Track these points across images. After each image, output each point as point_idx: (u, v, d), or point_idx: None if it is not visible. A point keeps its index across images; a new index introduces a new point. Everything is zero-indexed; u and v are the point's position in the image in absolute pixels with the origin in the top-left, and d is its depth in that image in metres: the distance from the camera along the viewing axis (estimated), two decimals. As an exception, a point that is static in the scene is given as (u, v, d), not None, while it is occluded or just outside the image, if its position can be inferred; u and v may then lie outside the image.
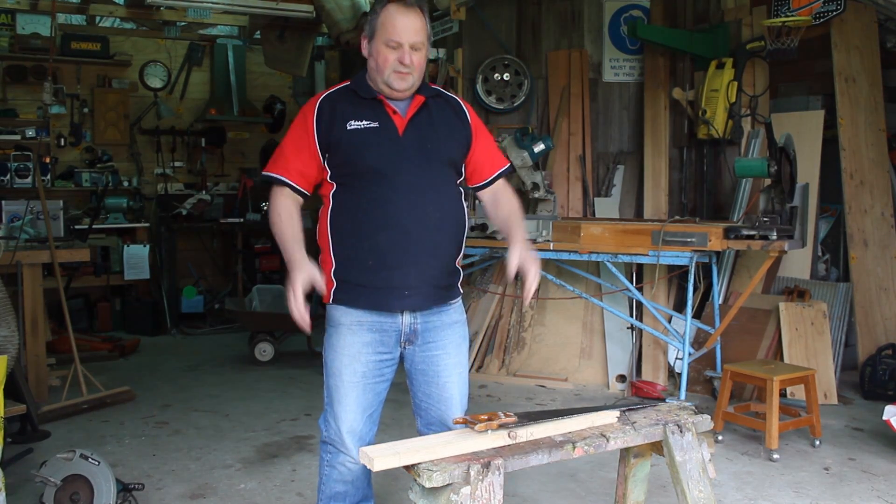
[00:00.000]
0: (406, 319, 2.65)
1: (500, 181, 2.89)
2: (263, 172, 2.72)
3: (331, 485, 2.78)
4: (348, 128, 2.59)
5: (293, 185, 2.64)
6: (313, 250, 2.62)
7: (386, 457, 2.31)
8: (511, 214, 2.84)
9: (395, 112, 2.63)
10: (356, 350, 2.64)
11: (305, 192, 2.68)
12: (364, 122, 2.60)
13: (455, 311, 2.79)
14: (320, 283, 2.56)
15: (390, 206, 2.56)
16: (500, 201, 2.87)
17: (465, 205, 2.77)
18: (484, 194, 2.88)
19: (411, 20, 2.58)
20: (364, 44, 2.67)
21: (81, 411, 4.91)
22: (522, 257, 2.61)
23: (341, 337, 2.65)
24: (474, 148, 2.76)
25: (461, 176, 2.79)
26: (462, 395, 2.81)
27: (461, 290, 2.80)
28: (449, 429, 2.69)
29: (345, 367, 2.65)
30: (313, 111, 2.64)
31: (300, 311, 2.54)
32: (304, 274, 2.53)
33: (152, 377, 5.87)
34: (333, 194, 2.65)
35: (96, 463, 3.23)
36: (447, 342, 2.75)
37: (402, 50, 2.56)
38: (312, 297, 2.74)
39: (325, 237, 2.66)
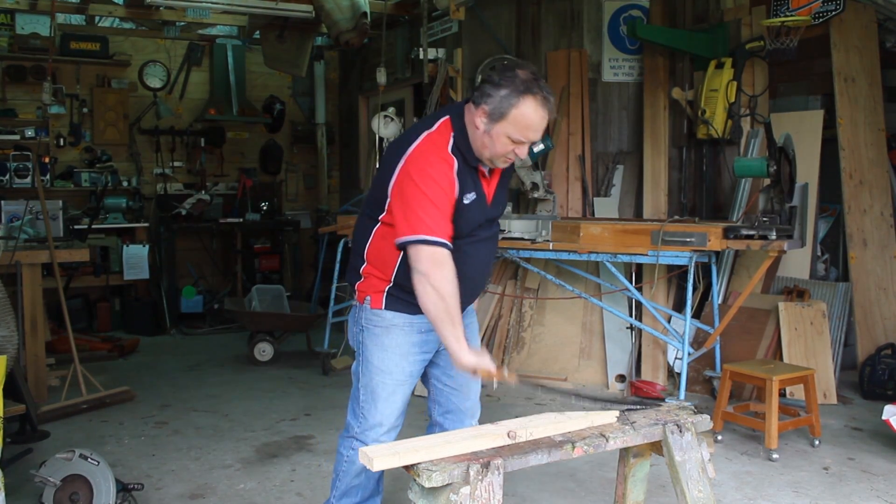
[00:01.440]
0: None
1: None
2: (418, 237, 2.46)
3: (348, 480, 2.84)
4: (465, 201, 2.60)
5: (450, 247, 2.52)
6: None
7: (385, 457, 2.31)
8: None
9: (485, 178, 2.67)
10: (406, 349, 2.74)
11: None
12: (472, 195, 2.61)
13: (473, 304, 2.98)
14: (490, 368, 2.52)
15: (467, 261, 2.63)
16: None
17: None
18: None
19: (547, 116, 2.51)
20: (481, 116, 2.51)
21: (81, 411, 4.91)
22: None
23: (391, 337, 2.72)
24: None
25: None
26: (477, 382, 2.94)
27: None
28: (465, 415, 2.89)
29: (395, 365, 2.73)
30: (453, 175, 2.55)
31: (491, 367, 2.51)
32: (478, 359, 2.49)
33: (152, 377, 5.87)
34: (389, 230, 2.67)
35: (96, 463, 3.23)
36: (468, 332, 2.80)
37: (523, 146, 2.54)
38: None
39: (391, 261, 2.67)
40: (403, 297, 2.69)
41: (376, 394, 2.74)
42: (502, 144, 2.53)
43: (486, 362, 2.48)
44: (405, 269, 2.61)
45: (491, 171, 2.69)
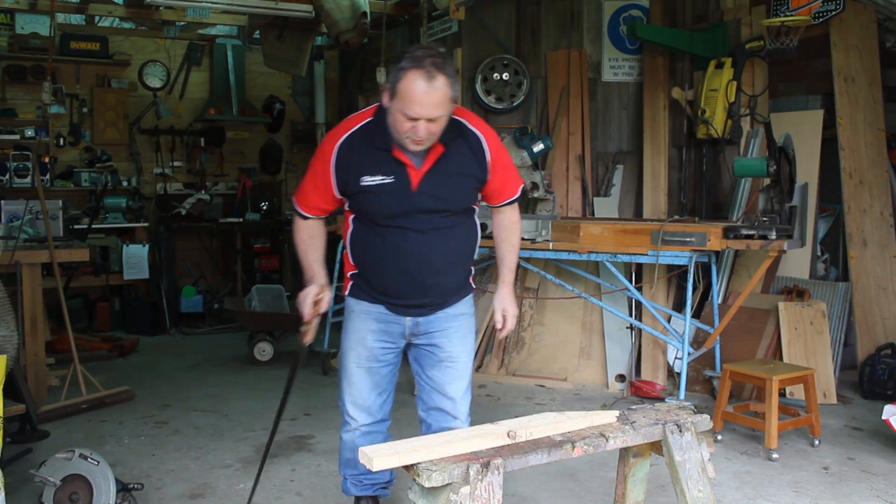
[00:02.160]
0: (409, 322, 2.87)
1: (509, 207, 2.96)
2: (293, 199, 2.89)
3: (345, 452, 3.12)
4: (362, 183, 2.65)
5: (313, 217, 2.86)
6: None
7: (385, 456, 2.32)
8: (506, 249, 2.98)
9: (410, 164, 2.63)
10: (361, 335, 2.90)
11: (326, 217, 2.89)
12: (378, 178, 2.64)
13: (462, 304, 2.94)
14: (327, 302, 2.76)
15: (400, 254, 2.69)
16: (503, 226, 2.97)
17: (478, 230, 2.92)
18: (492, 212, 2.99)
19: (432, 94, 2.45)
20: (385, 94, 2.57)
21: (81, 411, 4.91)
22: (504, 304, 2.95)
23: (351, 322, 2.92)
24: (490, 182, 2.80)
25: (476, 202, 2.89)
26: (460, 382, 2.96)
27: (473, 287, 2.96)
28: (447, 415, 2.94)
29: (351, 349, 2.94)
30: (332, 156, 2.66)
31: (308, 307, 2.73)
32: (318, 288, 2.74)
33: (151, 377, 5.87)
34: (353, 220, 2.82)
35: (96, 463, 3.23)
36: (451, 332, 2.91)
37: (418, 123, 2.50)
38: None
39: (346, 246, 2.88)
40: (362, 284, 2.85)
41: (346, 371, 2.97)
42: (400, 122, 2.52)
43: (305, 306, 2.75)
44: (356, 253, 2.82)
45: (423, 158, 2.64)
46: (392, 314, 2.85)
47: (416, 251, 2.71)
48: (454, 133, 2.65)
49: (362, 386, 2.97)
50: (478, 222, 2.92)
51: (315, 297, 2.73)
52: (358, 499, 3.24)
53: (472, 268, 2.93)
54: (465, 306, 2.95)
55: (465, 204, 2.78)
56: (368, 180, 2.64)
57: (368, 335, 2.89)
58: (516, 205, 2.97)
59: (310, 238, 2.86)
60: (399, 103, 2.48)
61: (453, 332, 2.92)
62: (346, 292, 2.94)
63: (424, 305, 2.85)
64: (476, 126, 2.75)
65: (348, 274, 2.92)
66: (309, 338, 2.82)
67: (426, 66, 2.43)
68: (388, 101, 2.54)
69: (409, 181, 2.64)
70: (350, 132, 2.67)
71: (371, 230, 2.74)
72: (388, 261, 2.74)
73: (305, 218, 2.85)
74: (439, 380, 2.95)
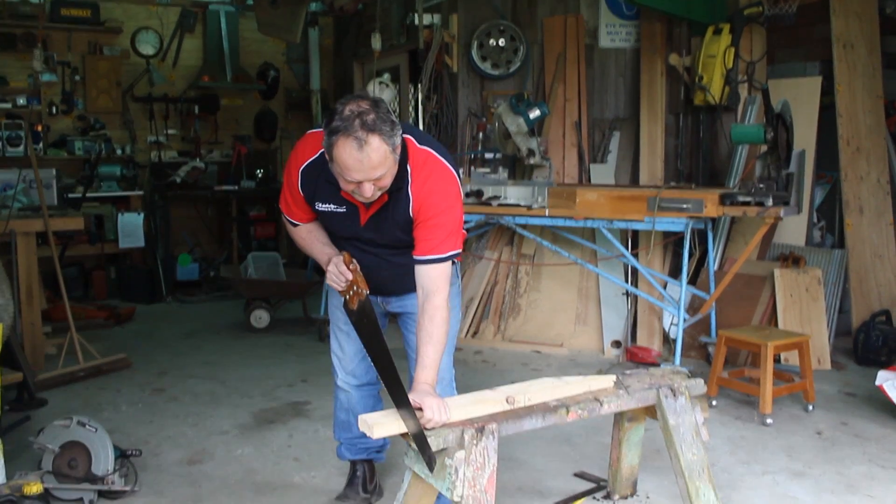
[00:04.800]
0: (380, 299, 2.97)
1: (427, 266, 2.56)
2: (280, 207, 2.82)
3: (338, 413, 3.20)
4: (317, 208, 2.68)
5: (303, 223, 2.81)
6: None
7: (384, 424, 2.34)
8: (422, 339, 2.51)
9: (361, 203, 2.57)
10: (337, 303, 3.02)
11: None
12: (331, 206, 2.64)
13: None
14: (355, 261, 2.56)
15: (359, 260, 2.60)
16: (421, 304, 2.57)
17: None
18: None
19: (366, 160, 2.30)
20: (324, 148, 2.41)
21: (78, 379, 4.92)
22: (418, 401, 2.37)
23: (331, 293, 3.02)
24: (414, 232, 2.61)
25: None
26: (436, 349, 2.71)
27: None
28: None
29: (331, 315, 3.12)
30: (297, 179, 2.66)
31: (341, 275, 2.57)
32: (340, 257, 2.58)
33: (148, 345, 5.88)
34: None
35: (94, 430, 3.24)
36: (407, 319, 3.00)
37: (362, 184, 2.38)
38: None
39: None
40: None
41: (332, 336, 3.12)
42: (344, 183, 2.42)
43: (339, 276, 2.58)
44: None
45: (371, 204, 2.55)
46: None
47: (371, 264, 2.69)
48: (396, 188, 2.52)
49: (347, 350, 3.06)
50: None
51: (343, 262, 2.56)
52: (353, 463, 3.27)
53: None
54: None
55: (403, 241, 2.66)
56: (322, 207, 2.65)
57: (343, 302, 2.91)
58: (440, 282, 2.55)
59: (308, 233, 2.80)
60: (337, 167, 2.38)
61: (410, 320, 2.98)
62: None
63: (391, 293, 2.93)
64: (416, 179, 2.55)
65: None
66: (356, 301, 2.52)
67: (355, 131, 2.28)
68: (329, 161, 2.42)
69: (358, 217, 2.63)
70: (309, 161, 2.62)
71: (333, 236, 2.79)
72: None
73: (296, 225, 2.81)
74: (413, 343, 2.89)
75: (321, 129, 2.49)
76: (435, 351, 2.49)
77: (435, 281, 2.55)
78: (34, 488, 2.56)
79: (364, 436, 2.77)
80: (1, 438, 2.87)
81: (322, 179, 2.59)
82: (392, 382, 2.39)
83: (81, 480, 3.19)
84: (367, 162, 2.31)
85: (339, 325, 3.07)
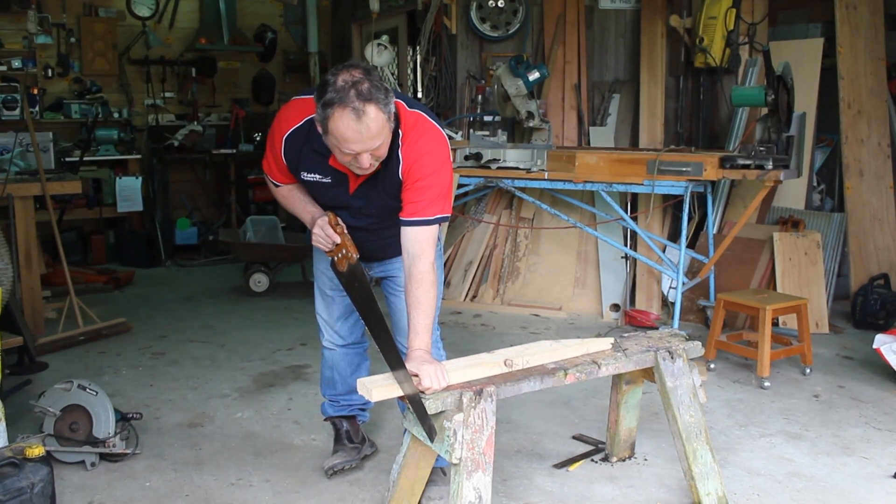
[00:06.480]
0: (363, 265, 2.88)
1: (412, 228, 2.54)
2: (262, 167, 2.81)
3: (324, 370, 3.22)
4: (303, 177, 2.64)
5: (284, 184, 2.77)
6: None
7: (383, 387, 2.35)
8: (411, 304, 2.51)
9: (350, 172, 2.55)
10: (322, 268, 3.02)
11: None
12: (317, 176, 2.61)
13: None
14: (335, 237, 2.60)
15: (349, 226, 2.63)
16: (408, 269, 2.55)
17: None
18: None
19: (365, 130, 2.27)
20: (318, 125, 2.37)
21: (78, 343, 4.94)
22: (415, 368, 2.36)
23: (315, 251, 2.99)
24: (402, 194, 2.58)
25: None
26: (402, 310, 2.78)
27: None
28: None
29: (317, 277, 3.09)
30: (281, 145, 2.62)
31: (326, 237, 2.61)
32: (324, 218, 2.61)
33: (148, 309, 5.89)
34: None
35: (94, 393, 3.25)
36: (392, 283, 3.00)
37: (360, 155, 2.35)
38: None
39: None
40: None
41: (316, 297, 3.13)
42: (340, 155, 2.39)
43: (324, 238, 2.62)
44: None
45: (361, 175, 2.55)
46: None
47: (357, 232, 2.66)
48: (389, 151, 2.49)
49: (331, 311, 3.08)
50: None
51: (328, 225, 2.57)
52: (333, 419, 3.28)
53: None
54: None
55: (392, 208, 2.63)
56: (308, 176, 2.63)
57: (327, 270, 2.91)
58: (427, 245, 2.53)
59: (289, 192, 2.76)
60: (333, 140, 2.33)
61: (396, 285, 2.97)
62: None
63: (374, 259, 2.91)
64: (406, 140, 2.53)
65: None
66: (345, 263, 2.57)
67: (352, 102, 2.24)
68: (322, 134, 2.38)
69: (346, 185, 2.61)
70: (293, 129, 2.57)
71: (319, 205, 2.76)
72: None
73: (277, 186, 2.78)
74: (396, 307, 2.98)
75: (306, 97, 2.48)
76: (426, 316, 2.49)
77: (422, 244, 2.52)
78: (36, 451, 2.57)
79: (347, 393, 2.78)
80: (2, 402, 2.88)
81: (308, 148, 2.56)
82: (386, 346, 2.41)
83: (83, 443, 3.21)
84: (366, 132, 2.28)
85: (323, 289, 3.06)
